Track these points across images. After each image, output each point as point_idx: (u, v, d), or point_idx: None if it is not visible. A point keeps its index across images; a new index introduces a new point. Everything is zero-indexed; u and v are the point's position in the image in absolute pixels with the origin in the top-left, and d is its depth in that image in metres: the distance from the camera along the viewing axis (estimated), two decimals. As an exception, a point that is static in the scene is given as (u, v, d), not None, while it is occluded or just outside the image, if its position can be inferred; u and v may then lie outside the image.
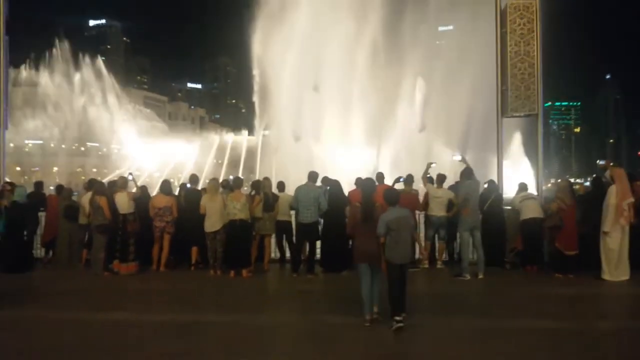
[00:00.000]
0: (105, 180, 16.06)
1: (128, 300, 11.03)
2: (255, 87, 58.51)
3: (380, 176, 13.73)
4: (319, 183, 13.73)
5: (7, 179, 15.90)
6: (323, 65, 50.50)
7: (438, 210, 13.50)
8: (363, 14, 49.84)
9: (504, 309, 10.05)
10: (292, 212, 13.72)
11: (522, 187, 13.79)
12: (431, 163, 14.17)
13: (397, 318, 8.40)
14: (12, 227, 13.52)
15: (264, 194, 13.43)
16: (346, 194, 13.45)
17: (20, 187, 14.75)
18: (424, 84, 56.97)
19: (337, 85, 50.67)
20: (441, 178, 13.89)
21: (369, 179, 10.37)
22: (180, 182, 15.42)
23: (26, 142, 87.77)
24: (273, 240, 14.16)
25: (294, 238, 13.79)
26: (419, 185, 14.24)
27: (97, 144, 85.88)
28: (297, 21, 50.61)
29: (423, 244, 13.76)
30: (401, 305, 8.56)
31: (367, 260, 8.85)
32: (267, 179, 14.03)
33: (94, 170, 75.60)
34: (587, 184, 25.79)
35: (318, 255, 13.83)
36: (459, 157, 14.12)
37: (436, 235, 13.90)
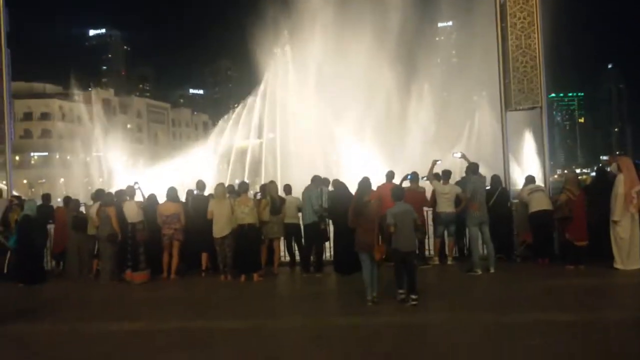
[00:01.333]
0: (112, 190, 16.06)
1: (142, 309, 11.05)
2: (259, 97, 58.55)
3: (390, 174, 13.76)
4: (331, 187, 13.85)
5: (15, 193, 15.98)
6: (329, 67, 50.62)
7: (446, 207, 13.43)
8: (379, 25, 50.45)
9: (519, 303, 9.95)
10: (300, 214, 13.84)
11: (530, 179, 13.74)
12: (436, 160, 14.09)
13: (401, 291, 9.77)
14: (24, 240, 13.62)
15: (271, 198, 13.45)
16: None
17: (30, 201, 14.84)
18: (428, 86, 57.32)
19: (343, 86, 50.84)
20: (447, 174, 13.81)
21: (364, 179, 11.11)
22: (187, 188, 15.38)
23: (32, 154, 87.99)
24: (282, 243, 14.19)
25: (302, 240, 13.86)
26: (426, 183, 14.21)
27: (101, 154, 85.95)
28: (308, 38, 51.02)
29: (432, 239, 13.87)
30: (412, 286, 9.68)
31: (366, 249, 9.96)
32: (272, 183, 14.10)
33: (100, 180, 75.62)
34: (593, 174, 25.68)
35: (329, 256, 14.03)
36: (458, 154, 14.09)
37: (445, 232, 13.85)
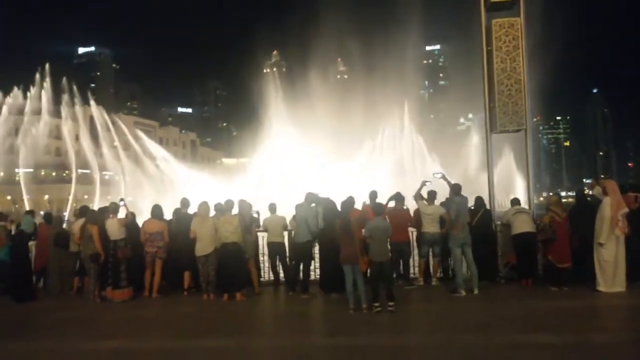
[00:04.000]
0: (96, 207, 15.93)
1: (123, 328, 10.89)
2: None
3: (373, 194, 13.68)
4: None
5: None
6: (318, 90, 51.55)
7: (430, 227, 13.39)
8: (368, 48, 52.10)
9: (502, 324, 9.92)
10: (285, 233, 13.76)
11: (514, 201, 13.79)
12: (426, 181, 13.96)
13: (376, 304, 10.64)
14: (19, 256, 13.67)
15: (242, 217, 13.28)
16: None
17: (27, 216, 14.80)
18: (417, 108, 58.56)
19: (332, 109, 51.88)
20: (432, 195, 13.78)
21: (348, 198, 12.23)
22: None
23: (16, 170, 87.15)
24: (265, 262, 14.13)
25: (287, 259, 13.77)
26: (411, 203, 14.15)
27: (87, 171, 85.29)
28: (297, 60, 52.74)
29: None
30: (389, 293, 10.66)
31: (349, 262, 11.00)
32: (242, 201, 13.86)
33: (85, 197, 75.09)
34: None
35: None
36: (439, 175, 14.05)
37: (430, 252, 13.79)
